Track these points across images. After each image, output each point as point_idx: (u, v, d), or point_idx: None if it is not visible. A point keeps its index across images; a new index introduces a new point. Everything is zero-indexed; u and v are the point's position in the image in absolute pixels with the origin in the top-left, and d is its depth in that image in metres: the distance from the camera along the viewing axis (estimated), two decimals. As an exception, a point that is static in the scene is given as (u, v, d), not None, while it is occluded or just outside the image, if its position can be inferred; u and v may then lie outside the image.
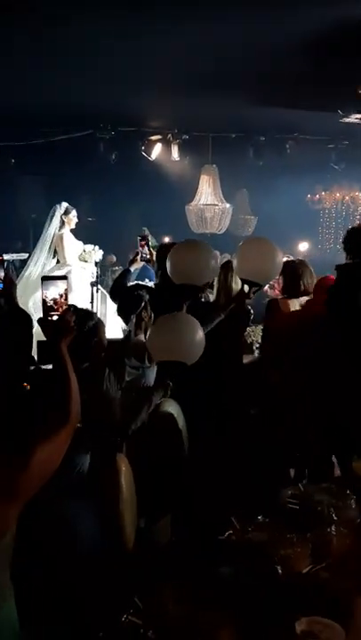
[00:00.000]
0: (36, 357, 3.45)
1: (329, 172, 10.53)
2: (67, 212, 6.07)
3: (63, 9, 4.45)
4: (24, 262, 6.72)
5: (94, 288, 4.95)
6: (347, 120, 7.36)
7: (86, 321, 2.67)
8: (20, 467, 1.46)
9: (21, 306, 5.41)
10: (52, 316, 1.75)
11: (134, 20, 4.71)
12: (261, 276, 3.18)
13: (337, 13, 4.56)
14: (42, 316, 1.77)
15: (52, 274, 5.73)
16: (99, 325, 2.73)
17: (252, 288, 3.16)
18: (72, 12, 4.50)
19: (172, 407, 2.91)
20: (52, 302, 1.77)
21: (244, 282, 3.21)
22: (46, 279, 1.83)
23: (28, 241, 8.79)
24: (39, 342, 3.49)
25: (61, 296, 1.78)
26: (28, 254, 6.85)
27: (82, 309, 3.51)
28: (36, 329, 5.17)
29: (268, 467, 2.79)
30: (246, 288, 3.19)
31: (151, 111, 8.09)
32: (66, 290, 1.80)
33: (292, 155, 9.28)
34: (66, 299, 1.79)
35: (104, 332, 2.72)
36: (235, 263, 3.33)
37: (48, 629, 1.85)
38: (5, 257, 7.37)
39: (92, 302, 4.89)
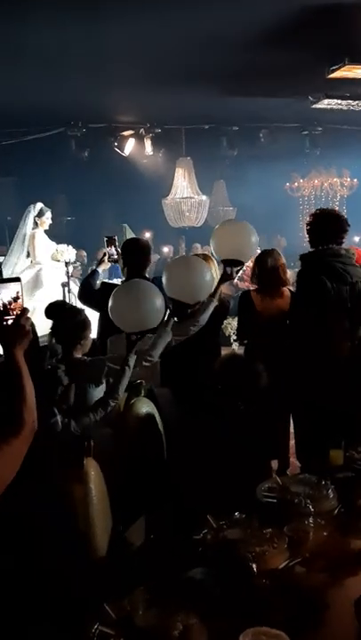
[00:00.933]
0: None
1: (305, 158, 10.50)
2: (40, 214, 5.99)
3: (28, 5, 4.36)
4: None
5: (66, 288, 4.88)
6: (317, 106, 7.33)
7: (75, 315, 2.86)
8: None
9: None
10: (6, 320, 1.66)
11: (100, 14, 4.62)
12: (240, 254, 3.25)
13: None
14: None
15: (23, 272, 5.65)
16: (86, 320, 2.86)
17: (234, 268, 3.22)
18: (38, 8, 4.41)
19: (146, 407, 2.87)
20: (4, 306, 1.69)
21: (224, 262, 3.26)
22: (0, 282, 1.75)
23: (4, 243, 8.68)
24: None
25: (15, 299, 1.70)
26: (2, 257, 6.76)
27: (68, 305, 3.52)
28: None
29: (250, 461, 2.75)
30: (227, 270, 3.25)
31: (122, 106, 8.01)
32: (19, 292, 1.72)
33: (266, 143, 9.25)
34: (19, 301, 1.70)
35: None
36: (212, 246, 3.35)
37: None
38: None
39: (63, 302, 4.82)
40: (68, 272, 5.07)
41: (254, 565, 1.86)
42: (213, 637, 1.60)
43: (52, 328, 2.84)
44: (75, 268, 5.87)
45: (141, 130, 8.84)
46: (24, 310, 1.67)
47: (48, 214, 5.92)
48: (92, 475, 2.12)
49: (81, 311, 2.97)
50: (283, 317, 3.91)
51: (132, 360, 2.68)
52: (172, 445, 2.88)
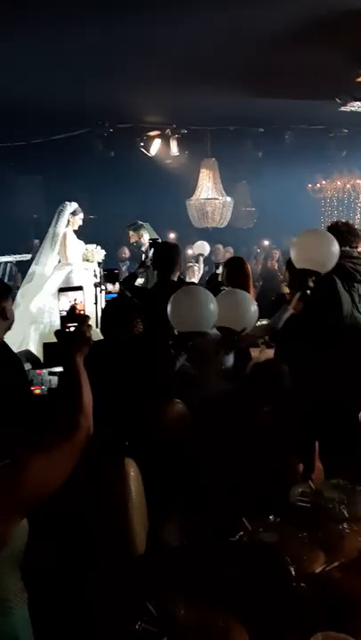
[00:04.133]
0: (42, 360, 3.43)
1: (329, 160, 10.46)
2: (75, 213, 6.01)
3: (62, 9, 4.43)
4: (25, 263, 6.69)
5: (98, 289, 4.92)
6: (345, 108, 7.29)
7: None
8: (13, 481, 1.39)
9: (24, 311, 5.42)
10: (68, 327, 1.70)
11: (128, 17, 4.66)
12: (320, 265, 3.25)
13: (334, 1, 4.50)
14: (59, 328, 1.72)
15: (53, 274, 5.70)
16: None
17: (312, 277, 3.22)
18: (70, 11, 4.47)
19: (179, 407, 2.89)
20: (68, 313, 1.73)
21: (302, 272, 3.26)
22: (62, 290, 1.79)
23: (30, 241, 8.77)
24: (45, 345, 3.48)
25: (77, 307, 1.74)
26: (30, 255, 6.82)
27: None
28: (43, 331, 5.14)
29: (277, 463, 2.77)
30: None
31: (149, 107, 8.05)
32: (82, 300, 1.77)
33: (291, 145, 9.23)
34: (82, 309, 1.75)
35: None
36: (292, 255, 3.38)
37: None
38: (7, 258, 7.39)
39: (95, 303, 4.86)
40: (100, 272, 5.11)
41: (293, 569, 1.89)
42: (253, 638, 1.63)
43: None
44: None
45: (168, 130, 8.88)
46: (85, 318, 1.71)
47: (81, 215, 5.96)
48: (131, 474, 2.16)
49: None
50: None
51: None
52: (201, 445, 2.91)
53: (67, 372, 1.65)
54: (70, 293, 1.76)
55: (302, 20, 4.88)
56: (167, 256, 3.97)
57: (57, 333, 1.71)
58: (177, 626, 1.65)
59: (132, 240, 6.85)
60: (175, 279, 4.11)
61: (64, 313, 1.72)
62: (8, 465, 1.41)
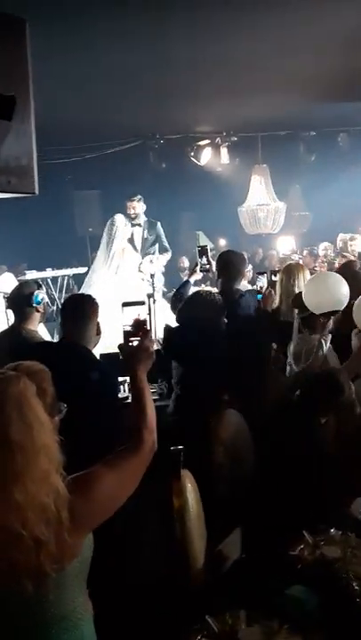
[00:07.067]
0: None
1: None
2: (126, 225, 6.11)
3: (118, 26, 4.51)
4: (81, 276, 6.81)
5: (151, 299, 4.97)
6: None
7: None
8: (82, 495, 1.42)
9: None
10: (132, 341, 1.71)
11: (182, 31, 4.70)
12: (334, 305, 3.33)
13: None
14: (122, 342, 1.73)
15: (108, 286, 5.77)
16: None
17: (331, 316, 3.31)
18: (122, 26, 4.54)
19: (236, 418, 2.89)
20: (131, 328, 1.73)
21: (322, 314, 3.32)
22: (126, 304, 1.79)
23: (86, 255, 8.94)
24: (103, 355, 3.53)
25: (142, 321, 1.75)
26: (86, 268, 6.94)
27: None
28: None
29: (342, 475, 2.71)
30: None
31: (198, 117, 8.08)
32: (145, 315, 1.77)
33: (345, 147, 9.06)
34: (145, 324, 1.75)
35: None
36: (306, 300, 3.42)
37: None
38: (65, 272, 7.56)
39: (149, 313, 4.90)
40: (153, 284, 5.16)
41: (356, 585, 1.84)
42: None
43: None
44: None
45: (217, 139, 8.88)
46: (148, 332, 1.72)
47: (138, 228, 6.08)
48: (188, 486, 2.16)
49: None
50: None
51: None
52: (262, 456, 2.88)
53: (131, 386, 1.67)
54: (134, 308, 1.76)
55: (355, 23, 4.80)
56: (230, 265, 3.96)
57: (121, 348, 1.72)
58: (238, 641, 1.64)
59: (129, 211, 6.51)
60: (239, 287, 4.07)
61: (128, 327, 1.73)
62: (83, 478, 1.44)
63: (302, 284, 3.79)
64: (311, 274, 4.22)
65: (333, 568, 1.93)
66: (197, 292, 3.76)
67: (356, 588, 1.83)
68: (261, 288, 3.97)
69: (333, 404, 2.69)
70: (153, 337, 3.37)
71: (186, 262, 8.74)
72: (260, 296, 3.85)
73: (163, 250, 6.15)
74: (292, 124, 8.72)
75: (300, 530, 2.15)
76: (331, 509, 2.32)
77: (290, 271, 4.05)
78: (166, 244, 6.35)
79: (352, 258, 6.19)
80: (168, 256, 6.25)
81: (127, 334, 1.72)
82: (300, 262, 5.47)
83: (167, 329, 3.64)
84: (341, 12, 4.56)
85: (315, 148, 9.14)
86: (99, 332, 2.73)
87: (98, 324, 2.72)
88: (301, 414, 2.67)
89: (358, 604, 1.77)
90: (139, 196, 6.35)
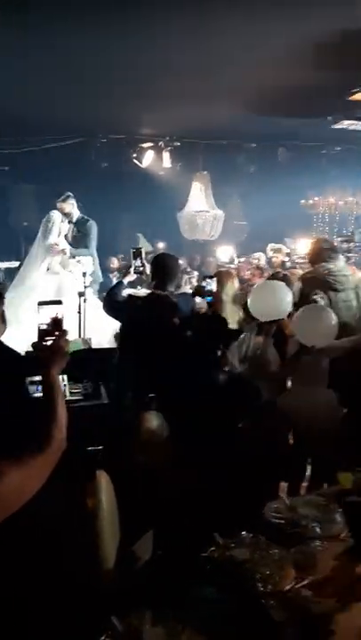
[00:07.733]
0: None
1: (321, 177, 10.54)
2: (62, 221, 6.01)
3: (61, 23, 4.45)
4: (12, 271, 6.67)
5: (82, 298, 4.91)
6: (337, 126, 7.38)
7: None
8: None
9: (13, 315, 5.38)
10: (46, 341, 1.70)
11: (129, 27, 4.68)
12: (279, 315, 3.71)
13: (330, 22, 4.55)
14: (36, 340, 1.71)
15: (40, 283, 5.68)
16: None
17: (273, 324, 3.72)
18: (66, 23, 4.49)
19: (157, 420, 2.88)
20: (47, 326, 1.71)
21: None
22: (42, 303, 1.77)
23: (19, 249, 8.75)
24: (27, 353, 3.46)
25: (57, 320, 1.73)
26: (18, 263, 6.79)
27: None
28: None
29: (257, 479, 2.76)
30: None
31: (142, 118, 8.09)
32: (61, 314, 1.75)
33: (283, 161, 9.31)
34: (61, 323, 1.73)
35: None
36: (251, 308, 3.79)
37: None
38: (-3, 265, 7.37)
39: (79, 312, 4.84)
40: (84, 282, 5.11)
41: (261, 587, 1.87)
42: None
43: None
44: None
45: (160, 142, 8.92)
46: (64, 332, 1.71)
47: (66, 223, 5.97)
48: (102, 487, 2.14)
49: None
50: None
51: None
52: (179, 460, 2.89)
53: (43, 384, 1.65)
54: (50, 307, 1.74)
55: (301, 41, 4.94)
56: (165, 268, 3.99)
57: (34, 346, 1.71)
58: (141, 642, 1.63)
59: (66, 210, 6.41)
60: (173, 290, 4.10)
61: (43, 326, 1.71)
62: None
63: (230, 291, 4.02)
64: (242, 282, 4.40)
65: (242, 569, 1.96)
66: (153, 293, 3.89)
67: (261, 588, 1.87)
68: (211, 292, 4.03)
69: (250, 408, 2.75)
70: (82, 336, 3.35)
71: (116, 263, 8.69)
72: (209, 298, 3.97)
73: (84, 251, 6.04)
74: (234, 134, 8.88)
75: (213, 532, 2.17)
76: (244, 512, 2.36)
77: (220, 279, 4.34)
78: (90, 245, 6.26)
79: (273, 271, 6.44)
80: (89, 258, 6.04)
81: (42, 333, 1.70)
82: (231, 271, 5.61)
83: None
84: (285, 29, 4.69)
85: (255, 160, 9.34)
86: (3, 321, 2.64)
87: (3, 312, 2.63)
88: (219, 417, 2.71)
89: (261, 605, 1.80)
90: (66, 194, 6.27)
